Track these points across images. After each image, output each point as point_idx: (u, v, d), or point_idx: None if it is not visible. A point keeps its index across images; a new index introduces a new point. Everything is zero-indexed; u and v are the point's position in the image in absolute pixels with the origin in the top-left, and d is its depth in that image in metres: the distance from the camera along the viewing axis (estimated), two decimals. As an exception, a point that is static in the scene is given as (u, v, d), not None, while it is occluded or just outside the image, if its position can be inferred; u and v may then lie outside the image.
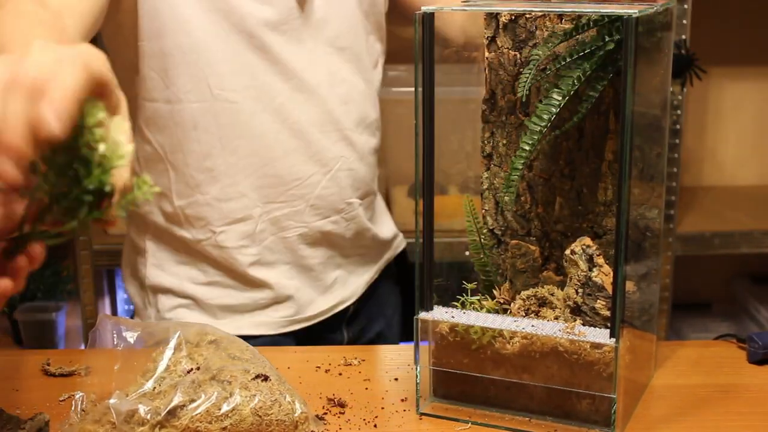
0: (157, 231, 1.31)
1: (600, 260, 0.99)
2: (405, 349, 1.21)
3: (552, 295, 1.03)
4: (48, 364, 1.14)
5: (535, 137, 0.97)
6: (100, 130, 0.68)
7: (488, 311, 1.05)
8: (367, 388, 1.10)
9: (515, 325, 0.99)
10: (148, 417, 0.93)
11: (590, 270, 0.99)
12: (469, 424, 1.02)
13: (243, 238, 1.28)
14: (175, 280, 1.31)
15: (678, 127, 2.07)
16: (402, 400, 1.07)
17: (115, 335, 1.02)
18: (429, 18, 0.97)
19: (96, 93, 0.69)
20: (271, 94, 1.23)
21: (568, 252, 1.01)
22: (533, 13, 1.02)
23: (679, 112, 2.07)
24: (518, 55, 1.03)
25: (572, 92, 0.97)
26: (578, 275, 1.00)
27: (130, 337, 1.02)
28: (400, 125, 2.14)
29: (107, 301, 2.37)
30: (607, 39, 0.97)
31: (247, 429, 0.95)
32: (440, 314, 1.03)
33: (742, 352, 1.17)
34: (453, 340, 1.02)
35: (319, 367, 1.15)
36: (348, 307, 1.38)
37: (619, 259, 0.93)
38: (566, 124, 1.00)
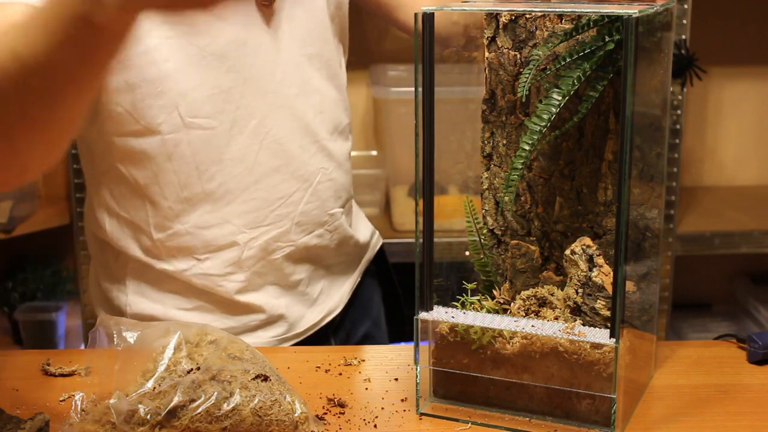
0: (137, 264, 1.26)
1: (600, 260, 0.99)
2: (405, 349, 1.21)
3: (552, 295, 1.03)
4: (48, 364, 1.14)
5: (535, 137, 0.97)
6: None
7: (488, 311, 1.05)
8: (367, 388, 1.10)
9: (515, 325, 0.99)
10: (148, 417, 0.93)
11: (590, 270, 0.99)
12: (469, 425, 1.02)
13: (228, 265, 1.24)
14: (160, 307, 1.26)
15: (678, 127, 2.08)
16: (402, 400, 1.07)
17: (115, 335, 1.02)
18: (429, 18, 0.97)
19: None
20: (247, 114, 1.20)
21: (568, 252, 1.01)
22: (533, 13, 1.02)
23: (679, 112, 2.07)
24: (518, 55, 1.03)
25: (572, 92, 0.97)
26: (578, 275, 1.00)
27: (130, 337, 1.02)
28: (400, 125, 2.14)
29: (107, 301, 2.36)
30: (607, 39, 0.97)
31: (247, 429, 0.95)
32: (440, 314, 1.03)
33: (742, 352, 1.17)
34: (453, 340, 1.02)
35: (318, 367, 1.15)
36: (335, 318, 1.36)
37: (619, 259, 0.93)
38: (566, 124, 1.00)
